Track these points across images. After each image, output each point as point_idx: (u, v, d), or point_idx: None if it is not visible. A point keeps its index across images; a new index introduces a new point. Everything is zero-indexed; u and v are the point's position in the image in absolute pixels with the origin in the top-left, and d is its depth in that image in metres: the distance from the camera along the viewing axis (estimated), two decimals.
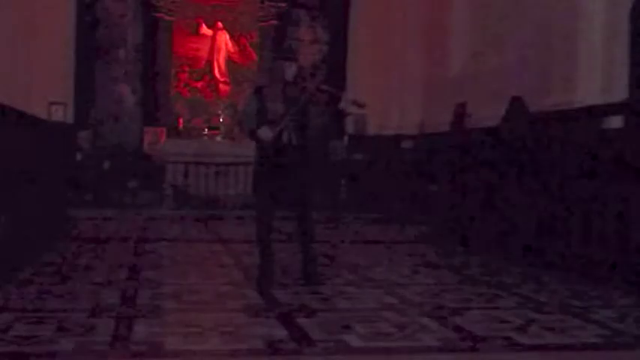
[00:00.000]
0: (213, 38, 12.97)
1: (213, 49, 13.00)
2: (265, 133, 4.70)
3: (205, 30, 12.94)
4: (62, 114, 10.16)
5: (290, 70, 4.82)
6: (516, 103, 6.67)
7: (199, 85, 13.02)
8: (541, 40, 7.13)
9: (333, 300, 4.37)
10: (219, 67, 13.04)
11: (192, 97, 13.01)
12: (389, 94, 10.99)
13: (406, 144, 10.45)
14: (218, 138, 12.42)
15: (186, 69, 12.97)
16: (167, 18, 12.60)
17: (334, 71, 12.58)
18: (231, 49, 13.09)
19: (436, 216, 7.93)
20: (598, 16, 6.47)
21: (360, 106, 4.93)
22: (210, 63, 13.02)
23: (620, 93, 5.97)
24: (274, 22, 12.92)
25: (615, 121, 5.70)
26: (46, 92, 9.59)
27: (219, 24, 12.98)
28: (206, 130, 12.64)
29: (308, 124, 4.85)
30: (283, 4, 12.85)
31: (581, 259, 5.33)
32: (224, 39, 13.03)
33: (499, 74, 7.87)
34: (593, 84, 6.44)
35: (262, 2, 12.92)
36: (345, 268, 5.67)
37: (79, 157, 10.70)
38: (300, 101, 4.74)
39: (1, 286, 4.39)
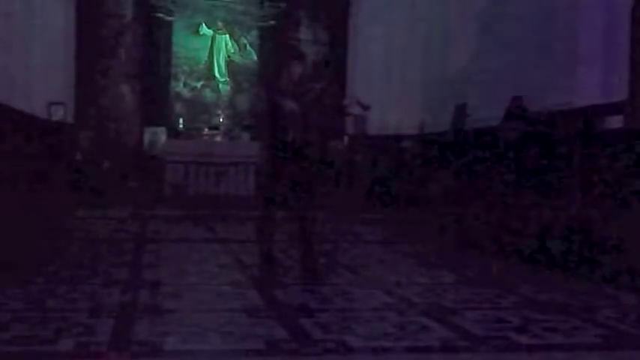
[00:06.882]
0: (213, 38, 12.98)
1: (213, 49, 13.01)
2: (290, 105, 4.75)
3: (205, 30, 12.95)
4: (62, 114, 10.15)
5: (297, 69, 4.87)
6: (516, 103, 6.67)
7: (199, 85, 13.03)
8: (541, 40, 7.13)
9: (333, 300, 4.37)
10: (219, 67, 13.05)
11: (192, 97, 13.02)
12: (389, 94, 10.99)
13: (406, 144, 10.44)
14: (218, 138, 12.42)
15: (186, 69, 12.98)
16: (167, 18, 12.60)
17: (334, 71, 12.58)
18: (231, 49, 13.09)
19: (436, 216, 7.93)
20: (598, 16, 6.47)
21: (365, 108, 4.99)
22: (210, 63, 13.03)
23: (620, 93, 5.97)
24: (274, 22, 12.92)
25: (615, 121, 5.70)
26: (46, 92, 9.58)
27: (219, 24, 12.99)
28: (206, 130, 12.64)
29: (310, 124, 4.88)
30: (283, 4, 12.86)
31: (582, 259, 5.33)
32: (224, 39, 13.04)
33: (499, 74, 7.86)
34: (593, 84, 6.43)
35: (262, 2, 12.92)
36: (345, 268, 5.67)
37: (79, 157, 10.70)
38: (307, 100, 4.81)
39: (2, 286, 4.39)
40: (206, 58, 13.02)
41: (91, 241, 6.90)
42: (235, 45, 13.11)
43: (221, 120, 12.67)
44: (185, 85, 13.00)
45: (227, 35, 13.06)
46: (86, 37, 11.57)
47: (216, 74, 13.04)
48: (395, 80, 11.04)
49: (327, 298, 4.42)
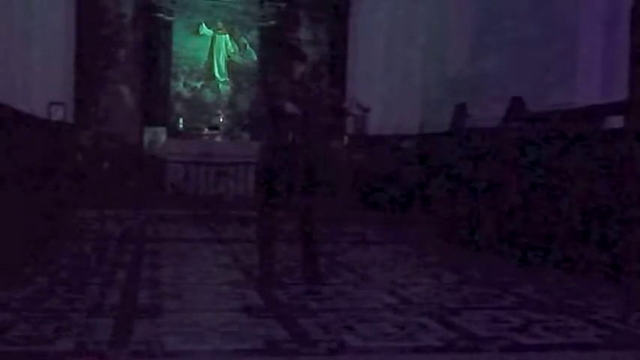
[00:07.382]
0: (213, 38, 12.98)
1: (213, 49, 13.01)
2: (291, 107, 4.73)
3: (205, 30, 12.95)
4: (62, 114, 10.15)
5: (298, 69, 4.87)
6: (516, 103, 6.67)
7: (199, 85, 13.03)
8: (541, 40, 7.13)
9: (333, 300, 4.38)
10: (219, 67, 13.05)
11: (192, 97, 13.03)
12: (389, 95, 10.99)
13: (406, 144, 10.45)
14: (218, 138, 12.42)
15: (186, 69, 12.98)
16: (167, 18, 12.60)
17: (334, 72, 12.59)
18: (231, 49, 13.10)
19: (436, 216, 7.93)
20: (598, 16, 6.47)
21: (364, 110, 4.98)
22: (210, 63, 13.03)
23: (620, 93, 5.97)
24: (274, 22, 12.92)
25: (615, 121, 5.70)
26: (46, 92, 9.58)
27: (219, 24, 12.99)
28: (206, 130, 12.65)
29: (311, 124, 4.88)
30: (283, 4, 12.86)
31: (582, 259, 5.33)
32: (224, 39, 13.04)
33: (499, 74, 7.87)
34: (593, 84, 6.44)
35: (262, 2, 12.92)
36: (345, 268, 5.67)
37: (79, 157, 10.70)
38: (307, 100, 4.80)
39: (2, 286, 4.39)
40: (206, 58, 13.02)
41: (91, 241, 6.90)
42: (235, 45, 13.11)
43: (221, 120, 12.67)
44: (185, 85, 13.00)
45: (227, 35, 13.06)
46: (86, 37, 11.57)
47: (216, 74, 13.04)
48: (395, 80, 11.05)
49: (327, 298, 4.42)
